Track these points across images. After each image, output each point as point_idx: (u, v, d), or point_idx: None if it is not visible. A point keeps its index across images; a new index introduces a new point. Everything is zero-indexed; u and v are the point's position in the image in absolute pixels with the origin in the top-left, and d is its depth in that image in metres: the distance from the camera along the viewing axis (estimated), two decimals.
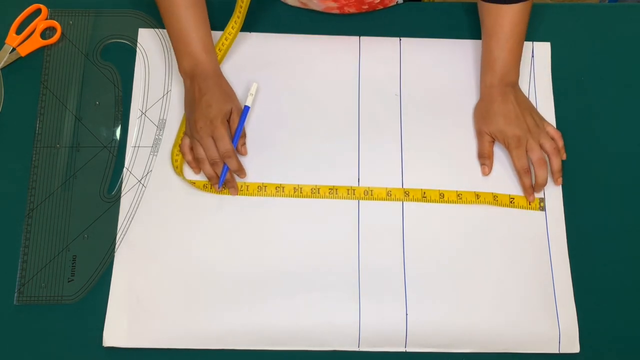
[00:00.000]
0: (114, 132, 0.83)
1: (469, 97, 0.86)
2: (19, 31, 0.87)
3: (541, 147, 0.80)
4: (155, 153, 0.82)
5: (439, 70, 0.87)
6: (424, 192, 0.80)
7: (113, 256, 0.78)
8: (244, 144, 0.82)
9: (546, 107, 0.86)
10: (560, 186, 0.82)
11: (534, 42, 0.89)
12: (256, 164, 0.81)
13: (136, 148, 0.82)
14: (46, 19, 0.88)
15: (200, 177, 0.81)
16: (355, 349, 0.75)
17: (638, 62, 0.89)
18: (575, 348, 0.76)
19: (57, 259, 0.77)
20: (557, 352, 0.75)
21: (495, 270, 0.78)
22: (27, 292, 0.76)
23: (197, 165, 0.80)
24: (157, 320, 0.75)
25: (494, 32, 0.80)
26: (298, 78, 0.86)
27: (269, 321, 0.75)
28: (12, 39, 0.86)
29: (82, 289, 0.76)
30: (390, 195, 0.80)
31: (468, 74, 0.87)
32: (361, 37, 0.88)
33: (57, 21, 0.87)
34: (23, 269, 0.77)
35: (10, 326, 0.75)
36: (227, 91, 0.80)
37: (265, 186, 0.80)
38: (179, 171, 0.80)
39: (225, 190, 0.80)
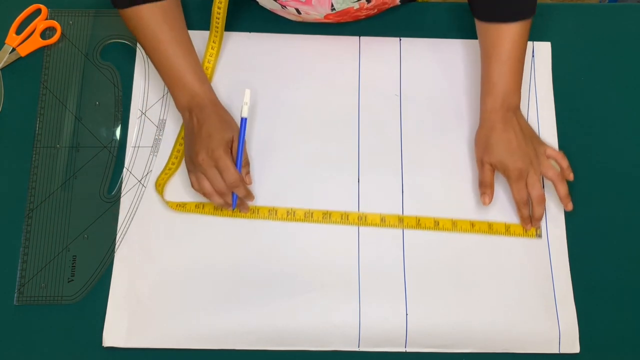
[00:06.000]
0: (114, 132, 0.83)
1: (469, 97, 0.86)
2: (19, 31, 0.87)
3: (544, 175, 0.78)
4: (155, 153, 0.82)
5: (439, 71, 0.87)
6: (419, 220, 0.79)
7: (113, 256, 0.77)
8: (248, 172, 0.78)
9: (546, 107, 0.86)
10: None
11: (534, 42, 0.89)
12: (254, 171, 0.82)
13: (136, 148, 0.82)
14: (46, 19, 0.88)
15: (191, 199, 0.80)
16: (355, 349, 0.75)
17: (638, 62, 0.89)
18: (575, 348, 0.76)
19: (57, 259, 0.77)
20: (557, 352, 0.75)
21: (496, 270, 0.78)
22: (27, 292, 0.76)
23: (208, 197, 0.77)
24: (157, 320, 0.75)
25: (493, 53, 0.78)
26: (297, 79, 0.86)
27: (269, 321, 0.75)
28: (12, 39, 0.86)
29: (82, 289, 0.76)
30: (385, 221, 0.79)
31: (468, 74, 0.87)
32: (361, 37, 0.88)
33: (57, 21, 0.87)
34: (23, 269, 0.77)
35: (10, 326, 0.75)
36: (226, 119, 0.78)
37: (258, 209, 0.79)
38: (160, 193, 0.79)
39: (236, 212, 0.78)
